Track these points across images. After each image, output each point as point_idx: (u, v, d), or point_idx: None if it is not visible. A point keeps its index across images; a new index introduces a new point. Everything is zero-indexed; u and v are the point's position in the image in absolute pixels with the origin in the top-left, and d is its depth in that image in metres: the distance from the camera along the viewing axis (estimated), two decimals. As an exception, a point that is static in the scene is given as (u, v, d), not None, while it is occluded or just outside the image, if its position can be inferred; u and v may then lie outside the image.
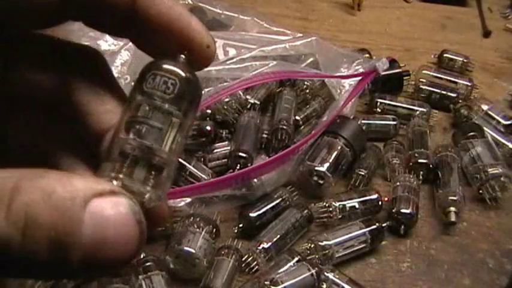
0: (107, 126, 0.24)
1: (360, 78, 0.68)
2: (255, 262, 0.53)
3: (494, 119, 0.74)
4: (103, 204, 0.18)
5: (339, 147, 0.63)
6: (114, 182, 0.20)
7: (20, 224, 0.17)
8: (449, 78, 0.81)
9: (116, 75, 0.65)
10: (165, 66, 0.21)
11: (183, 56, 0.22)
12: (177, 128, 0.21)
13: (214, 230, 0.54)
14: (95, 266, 0.18)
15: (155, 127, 0.21)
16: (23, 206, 0.17)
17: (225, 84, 0.62)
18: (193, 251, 0.51)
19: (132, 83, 0.69)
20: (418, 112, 0.74)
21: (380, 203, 0.61)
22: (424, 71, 0.81)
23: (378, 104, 0.75)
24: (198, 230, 0.53)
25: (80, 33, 0.66)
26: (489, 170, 0.63)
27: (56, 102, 0.24)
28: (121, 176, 0.20)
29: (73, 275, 0.18)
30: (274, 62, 0.64)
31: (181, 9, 0.23)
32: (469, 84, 0.79)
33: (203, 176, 0.61)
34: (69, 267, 0.18)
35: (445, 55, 0.87)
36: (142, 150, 0.20)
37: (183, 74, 0.21)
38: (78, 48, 0.25)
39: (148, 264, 0.51)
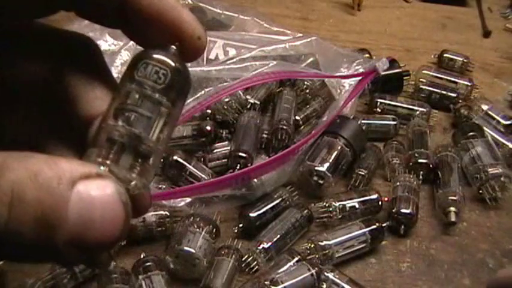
0: (96, 112, 0.24)
1: (360, 78, 0.68)
2: (255, 262, 0.53)
3: (494, 119, 0.74)
4: (89, 186, 0.18)
5: (339, 147, 0.63)
6: (101, 168, 0.20)
7: (6, 200, 0.17)
8: (449, 78, 0.81)
9: (115, 75, 0.65)
10: (157, 56, 0.21)
11: (174, 46, 0.22)
12: (165, 118, 0.21)
13: (214, 230, 0.54)
14: (81, 247, 0.18)
15: (144, 115, 0.21)
16: (9, 183, 0.17)
17: (225, 84, 0.62)
18: (193, 251, 0.51)
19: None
20: (418, 112, 0.74)
21: (380, 203, 0.61)
22: (424, 71, 0.81)
23: (378, 104, 0.75)
24: (198, 230, 0.53)
25: (76, 27, 0.66)
26: (489, 170, 0.63)
27: (47, 89, 0.24)
28: (108, 162, 0.20)
29: (59, 256, 0.18)
30: (274, 62, 0.64)
31: (173, 0, 0.23)
32: (469, 84, 0.79)
33: (203, 176, 0.61)
34: (55, 248, 0.18)
35: (445, 55, 0.87)
36: (130, 138, 0.21)
37: (174, 64, 0.22)
38: (69, 35, 0.25)
39: (148, 264, 0.51)
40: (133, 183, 0.21)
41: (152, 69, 0.21)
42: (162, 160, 0.62)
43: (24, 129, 0.24)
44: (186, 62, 0.23)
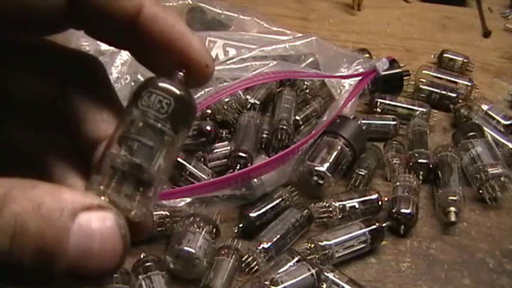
0: (101, 135, 0.24)
1: (360, 78, 0.68)
2: (255, 262, 0.54)
3: (494, 119, 0.74)
4: (91, 218, 0.19)
5: (339, 147, 0.63)
6: (102, 197, 0.20)
7: (9, 231, 0.17)
8: (449, 78, 0.81)
9: (115, 75, 0.65)
10: (161, 84, 0.21)
11: (181, 73, 0.22)
12: (168, 146, 0.22)
13: (215, 230, 0.54)
14: (79, 277, 0.19)
15: (146, 145, 0.21)
16: (13, 214, 0.17)
17: (225, 84, 0.62)
18: (193, 251, 0.51)
19: (133, 83, 0.68)
20: (418, 112, 0.74)
21: (380, 203, 0.61)
22: (424, 71, 0.81)
23: (378, 104, 0.75)
24: (198, 230, 0.53)
25: (79, 34, 0.66)
26: (489, 170, 0.63)
27: (52, 108, 0.24)
28: (109, 191, 0.21)
29: (56, 285, 0.19)
30: (274, 62, 0.64)
31: (184, 27, 0.23)
32: (469, 84, 0.79)
33: (203, 176, 0.61)
34: (53, 277, 0.18)
35: (445, 55, 0.87)
36: (131, 167, 0.21)
37: (178, 93, 0.21)
38: (77, 55, 0.25)
39: (148, 264, 0.51)
40: (133, 212, 0.21)
41: (156, 99, 0.21)
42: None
43: (25, 140, 0.25)
44: (192, 88, 0.23)
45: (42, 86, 0.24)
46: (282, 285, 0.48)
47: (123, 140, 0.21)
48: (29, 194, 0.18)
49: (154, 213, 0.56)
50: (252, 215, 0.58)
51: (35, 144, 0.25)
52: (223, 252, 0.53)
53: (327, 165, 0.61)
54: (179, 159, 0.61)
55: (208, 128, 0.64)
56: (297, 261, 0.52)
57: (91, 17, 0.22)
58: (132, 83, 0.65)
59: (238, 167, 0.60)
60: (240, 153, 0.61)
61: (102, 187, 0.21)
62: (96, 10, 0.22)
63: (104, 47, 0.70)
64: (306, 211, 0.58)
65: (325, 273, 0.51)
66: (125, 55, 0.67)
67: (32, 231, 0.17)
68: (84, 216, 0.18)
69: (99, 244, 0.18)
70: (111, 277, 0.19)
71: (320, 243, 0.55)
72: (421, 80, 0.80)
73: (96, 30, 0.24)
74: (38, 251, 0.18)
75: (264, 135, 0.66)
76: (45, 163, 0.24)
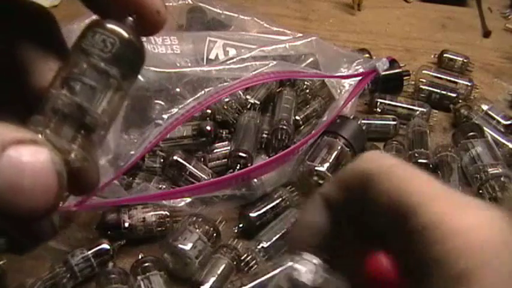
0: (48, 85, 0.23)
1: (360, 78, 0.68)
2: (254, 261, 0.53)
3: (494, 119, 0.74)
4: (22, 151, 0.17)
5: (339, 147, 0.63)
6: (39, 136, 0.19)
7: None
8: (449, 78, 0.81)
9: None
10: (107, 25, 0.21)
11: (130, 18, 0.22)
12: (113, 90, 0.21)
13: (215, 234, 0.54)
14: (9, 214, 0.17)
15: (89, 85, 0.20)
16: None
17: (225, 84, 0.62)
18: (186, 248, 0.51)
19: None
20: (418, 112, 0.74)
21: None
22: (424, 71, 0.81)
23: (378, 104, 0.75)
24: (196, 230, 0.53)
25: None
26: (489, 170, 0.63)
27: None
28: (47, 131, 0.20)
29: None
30: (274, 62, 0.64)
31: None
32: (469, 84, 0.79)
33: (203, 176, 0.61)
34: None
35: (445, 55, 0.87)
36: (72, 107, 0.20)
37: (123, 34, 0.21)
38: (26, 4, 0.24)
39: (146, 264, 0.51)
40: (72, 154, 0.20)
41: (99, 38, 0.20)
42: (162, 160, 0.62)
43: None
44: (144, 35, 0.22)
45: None
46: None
47: (66, 81, 0.20)
48: None
49: (154, 213, 0.56)
50: (252, 215, 0.58)
51: None
52: (221, 251, 0.53)
53: (327, 165, 0.61)
54: (179, 159, 0.61)
55: (208, 128, 0.64)
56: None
57: None
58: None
59: (238, 167, 0.60)
60: (240, 153, 0.61)
61: (40, 128, 0.19)
62: None
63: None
64: (306, 211, 0.58)
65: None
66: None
67: None
68: (14, 149, 0.17)
69: (30, 179, 0.17)
70: (44, 218, 0.18)
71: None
72: (421, 80, 0.80)
73: None
74: None
75: (264, 135, 0.66)
76: None
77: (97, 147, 0.21)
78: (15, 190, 0.17)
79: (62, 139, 0.20)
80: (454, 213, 0.22)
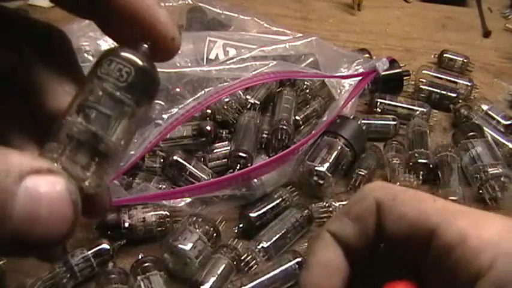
0: (62, 107, 0.23)
1: (360, 78, 0.68)
2: (254, 261, 0.53)
3: (494, 119, 0.74)
4: (39, 181, 0.18)
5: (339, 147, 0.63)
6: (54, 164, 0.19)
7: None
8: (449, 78, 0.81)
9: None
10: (122, 53, 0.21)
11: (145, 45, 0.22)
12: (128, 117, 0.21)
13: (215, 234, 0.54)
14: (25, 243, 0.18)
15: (104, 113, 0.21)
16: None
17: (225, 84, 0.62)
18: (186, 248, 0.51)
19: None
20: (418, 112, 0.74)
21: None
22: (424, 71, 0.81)
23: (378, 104, 0.75)
24: (196, 230, 0.53)
25: (79, 33, 0.66)
26: (489, 170, 0.63)
27: (13, 79, 0.24)
28: (63, 158, 0.20)
29: (5, 250, 0.18)
30: (274, 62, 0.64)
31: None
32: (469, 84, 0.79)
33: (203, 176, 0.61)
34: None
35: (445, 55, 0.87)
36: (87, 135, 0.20)
37: (139, 63, 0.21)
38: (42, 26, 0.24)
39: (146, 264, 0.51)
40: (87, 182, 0.20)
41: (115, 67, 0.21)
42: (162, 160, 0.62)
43: None
44: (157, 62, 0.23)
45: (2, 55, 0.23)
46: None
47: (81, 108, 0.21)
48: None
49: (154, 213, 0.56)
50: (252, 215, 0.58)
51: None
52: (221, 251, 0.53)
53: (327, 165, 0.61)
54: (179, 159, 0.61)
55: (208, 128, 0.64)
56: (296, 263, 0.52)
57: None
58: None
59: (238, 167, 0.60)
60: (240, 153, 0.61)
61: (55, 155, 0.20)
62: None
63: (104, 46, 0.70)
64: (306, 211, 0.58)
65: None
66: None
67: None
68: (32, 179, 0.17)
69: (47, 209, 0.17)
70: (59, 244, 0.18)
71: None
72: (421, 80, 0.80)
73: None
74: None
75: (264, 135, 0.66)
76: (3, 134, 0.24)
77: (110, 174, 0.21)
78: (32, 219, 0.17)
79: (76, 166, 0.20)
80: (476, 227, 0.22)
